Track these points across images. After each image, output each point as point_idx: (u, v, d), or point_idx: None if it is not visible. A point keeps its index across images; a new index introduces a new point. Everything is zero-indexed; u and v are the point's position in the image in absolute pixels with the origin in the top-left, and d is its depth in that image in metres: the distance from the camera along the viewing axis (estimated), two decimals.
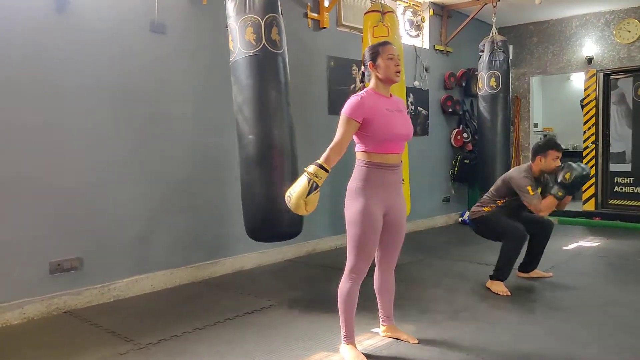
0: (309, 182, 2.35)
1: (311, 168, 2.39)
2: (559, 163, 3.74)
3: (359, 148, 2.53)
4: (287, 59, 3.55)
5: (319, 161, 2.41)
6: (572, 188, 3.63)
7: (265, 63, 3.38)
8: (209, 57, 4.19)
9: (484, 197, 4.03)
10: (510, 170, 3.98)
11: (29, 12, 3.23)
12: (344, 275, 2.55)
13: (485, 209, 3.90)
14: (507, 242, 3.74)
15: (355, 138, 2.52)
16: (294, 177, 3.39)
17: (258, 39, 3.35)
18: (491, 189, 4.00)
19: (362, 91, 2.53)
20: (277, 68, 3.43)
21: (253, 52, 3.36)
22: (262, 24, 3.36)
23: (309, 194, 2.34)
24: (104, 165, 3.60)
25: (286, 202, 2.41)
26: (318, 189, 2.37)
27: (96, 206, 3.56)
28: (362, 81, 2.64)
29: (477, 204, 4.03)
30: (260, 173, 3.39)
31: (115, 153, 3.66)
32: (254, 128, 3.40)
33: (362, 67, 2.62)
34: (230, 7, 3.45)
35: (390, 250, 2.65)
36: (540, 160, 3.76)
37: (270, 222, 3.41)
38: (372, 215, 2.45)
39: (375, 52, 2.53)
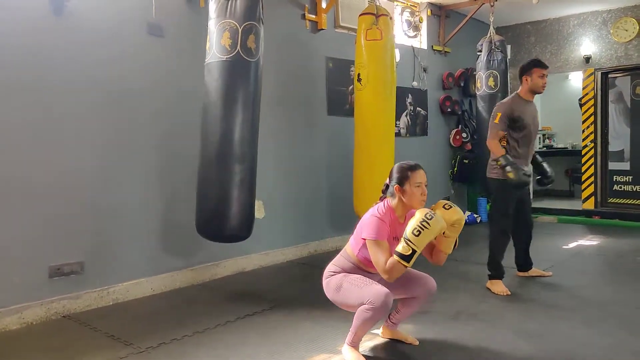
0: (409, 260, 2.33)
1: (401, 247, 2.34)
2: (545, 80, 3.71)
3: (352, 247, 2.57)
4: (260, 67, 3.53)
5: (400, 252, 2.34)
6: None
7: (236, 70, 3.40)
8: (205, 64, 4.17)
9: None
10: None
11: (26, 14, 3.22)
12: (367, 305, 2.43)
13: (500, 162, 3.64)
14: (490, 234, 3.82)
15: (353, 242, 2.56)
16: (250, 184, 3.52)
17: (233, 45, 3.36)
18: None
19: (379, 208, 2.52)
20: (247, 76, 3.44)
21: (226, 58, 3.38)
22: (240, 31, 3.37)
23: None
24: (104, 168, 3.59)
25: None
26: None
27: (96, 209, 3.55)
28: (383, 192, 2.63)
29: (491, 155, 3.79)
30: (216, 174, 3.43)
31: (115, 155, 3.65)
32: (216, 131, 3.43)
33: (388, 180, 2.59)
34: (212, 9, 3.46)
35: (413, 287, 2.66)
36: (527, 80, 3.73)
37: (218, 223, 3.45)
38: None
39: (403, 176, 2.50)
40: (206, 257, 4.19)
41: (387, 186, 2.59)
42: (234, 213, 3.43)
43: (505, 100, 3.77)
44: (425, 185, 2.52)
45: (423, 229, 2.26)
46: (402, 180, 2.49)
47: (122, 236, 3.68)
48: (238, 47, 3.37)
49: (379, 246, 2.40)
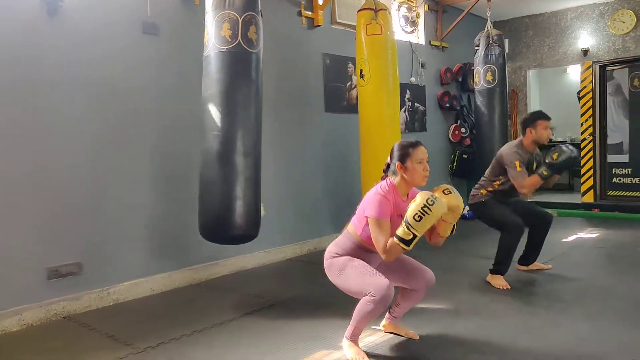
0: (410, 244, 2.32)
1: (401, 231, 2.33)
2: (550, 132, 3.75)
3: (354, 226, 2.55)
4: (260, 59, 3.46)
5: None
6: (559, 168, 3.64)
7: (238, 60, 3.30)
8: (202, 58, 4.16)
9: (481, 179, 3.97)
10: (502, 147, 3.95)
11: (20, 14, 3.21)
12: (369, 298, 2.43)
13: (483, 191, 3.87)
14: (504, 235, 3.73)
15: (356, 221, 2.54)
16: (255, 179, 3.40)
17: (234, 36, 3.28)
18: (487, 170, 3.96)
19: (382, 187, 2.50)
20: (249, 67, 3.36)
21: (227, 48, 3.29)
22: (240, 21, 3.31)
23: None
24: (101, 169, 3.58)
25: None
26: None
27: (93, 210, 3.54)
28: (385, 171, 2.63)
29: (475, 187, 3.98)
30: (220, 171, 3.29)
31: (111, 155, 3.64)
32: (218, 125, 3.31)
33: (389, 159, 2.58)
34: (209, 2, 3.40)
35: (410, 274, 2.65)
36: (531, 132, 3.74)
37: (225, 224, 3.31)
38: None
39: (405, 153, 2.49)
40: (205, 257, 4.18)
41: (389, 165, 2.58)
42: (240, 213, 3.30)
43: (513, 147, 3.76)
44: (427, 162, 2.51)
45: (424, 215, 2.25)
46: (404, 157, 2.48)
47: (120, 237, 3.67)
48: (239, 37, 3.29)
49: (380, 226, 2.39)
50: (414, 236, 2.27)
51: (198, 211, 3.40)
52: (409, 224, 2.26)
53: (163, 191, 3.93)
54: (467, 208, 6.92)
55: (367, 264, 2.50)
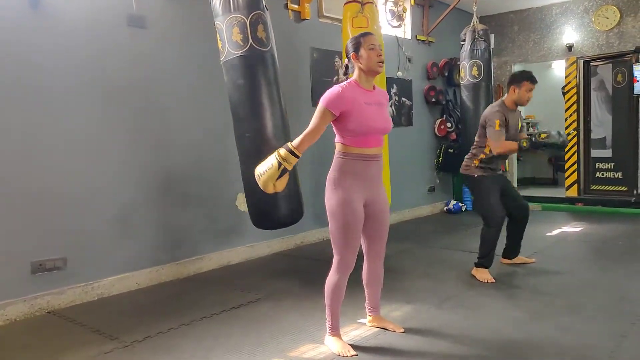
0: (279, 167, 2.39)
1: (282, 152, 2.41)
2: (531, 95, 3.76)
3: (337, 140, 2.53)
4: (275, 54, 3.59)
5: (290, 145, 2.42)
6: (538, 145, 3.70)
7: (254, 63, 3.45)
8: (192, 49, 4.15)
9: (472, 147, 3.93)
10: (485, 109, 3.95)
11: (1, 5, 3.16)
12: (332, 269, 2.55)
13: (475, 161, 3.81)
14: (485, 228, 3.78)
15: (334, 129, 2.52)
16: (292, 172, 3.45)
17: (245, 39, 3.39)
18: (476, 136, 3.93)
19: (345, 82, 2.52)
20: (266, 66, 3.50)
21: (241, 53, 3.41)
22: (248, 23, 3.38)
23: (278, 177, 2.41)
24: (86, 162, 3.55)
25: (256, 179, 2.47)
26: (287, 173, 2.42)
27: (79, 204, 3.51)
28: (345, 74, 2.64)
29: (467, 157, 3.93)
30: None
31: (97, 150, 3.60)
32: (249, 126, 3.50)
33: (346, 60, 2.59)
34: (217, 6, 3.45)
35: (375, 241, 2.65)
36: (514, 91, 3.75)
37: (270, 213, 3.54)
38: (352, 206, 2.46)
39: (357, 42, 2.51)
40: (191, 251, 4.17)
41: (347, 66, 2.59)
42: (284, 202, 3.52)
43: (495, 107, 3.76)
44: (381, 49, 2.53)
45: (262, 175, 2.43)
46: (357, 46, 2.51)
47: (105, 231, 3.65)
48: (250, 40, 3.40)
49: (323, 115, 2.41)
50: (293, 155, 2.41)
51: (248, 206, 3.65)
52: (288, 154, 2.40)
53: (150, 186, 3.91)
54: (452, 202, 7.01)
55: (352, 226, 2.46)
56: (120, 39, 3.74)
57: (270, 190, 2.47)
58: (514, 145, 3.67)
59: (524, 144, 3.65)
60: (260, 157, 3.44)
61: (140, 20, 3.84)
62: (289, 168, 2.41)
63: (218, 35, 3.51)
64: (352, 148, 2.47)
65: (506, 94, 3.84)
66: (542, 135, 3.64)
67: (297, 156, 2.41)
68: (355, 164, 2.48)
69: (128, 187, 3.78)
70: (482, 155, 3.81)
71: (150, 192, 3.91)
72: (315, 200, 5.25)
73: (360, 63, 2.50)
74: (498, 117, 3.67)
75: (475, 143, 3.91)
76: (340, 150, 2.51)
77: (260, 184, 2.46)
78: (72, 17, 3.48)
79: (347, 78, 2.60)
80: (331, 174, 2.54)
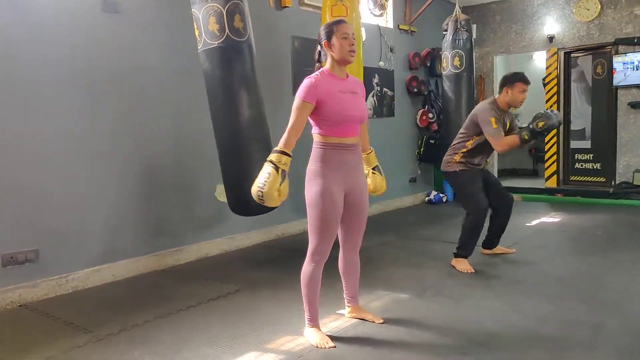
0: (278, 171, 2.32)
1: (274, 156, 2.35)
2: (525, 96, 3.71)
3: (314, 130, 2.50)
4: (252, 44, 3.53)
5: (279, 148, 2.37)
6: (540, 136, 3.63)
7: (230, 54, 3.41)
8: (168, 35, 4.05)
9: (455, 141, 3.90)
10: (476, 106, 3.90)
11: None
12: (306, 258, 2.52)
13: (456, 157, 3.79)
14: (467, 218, 3.77)
15: (310, 120, 2.48)
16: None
17: (221, 29, 3.34)
18: (460, 130, 3.91)
19: (317, 72, 2.48)
20: (242, 57, 3.45)
21: (218, 44, 3.36)
22: (224, 13, 3.33)
23: (281, 182, 2.33)
24: (58, 152, 3.45)
25: (257, 197, 2.35)
26: (287, 175, 2.36)
27: (51, 195, 3.41)
28: (318, 60, 2.61)
29: (448, 153, 3.90)
30: (236, 161, 3.52)
31: (71, 140, 3.50)
32: (225, 117, 3.47)
33: (318, 47, 2.55)
34: None
35: (353, 230, 2.63)
36: (507, 92, 3.70)
37: (246, 200, 3.43)
38: (332, 196, 2.43)
39: (330, 30, 2.47)
40: (169, 243, 4.10)
41: (320, 53, 2.55)
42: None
43: (487, 104, 3.71)
44: (354, 38, 2.48)
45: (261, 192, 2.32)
46: (329, 34, 2.46)
47: (79, 223, 3.56)
48: (227, 30, 3.35)
49: (302, 108, 2.39)
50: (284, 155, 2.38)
51: (229, 196, 3.66)
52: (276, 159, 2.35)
53: (124, 176, 3.82)
54: (433, 193, 7.03)
55: (332, 211, 2.44)
56: (94, 25, 3.62)
57: (276, 200, 2.36)
58: (515, 139, 3.60)
59: (525, 137, 3.55)
60: (238, 148, 3.50)
61: (114, 5, 3.72)
62: (287, 169, 2.35)
63: (195, 24, 3.45)
64: (329, 137, 2.45)
65: (498, 94, 3.78)
66: (540, 124, 3.50)
67: (288, 155, 2.37)
68: (333, 154, 2.45)
69: (104, 177, 3.69)
70: (463, 149, 3.79)
71: (127, 182, 3.83)
72: (295, 192, 5.20)
73: (333, 52, 2.46)
74: (492, 115, 3.62)
75: (458, 136, 3.88)
76: (318, 141, 2.48)
77: (264, 198, 2.32)
78: (43, 2, 3.36)
79: (320, 66, 2.56)
80: (310, 165, 2.51)
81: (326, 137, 2.45)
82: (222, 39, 3.36)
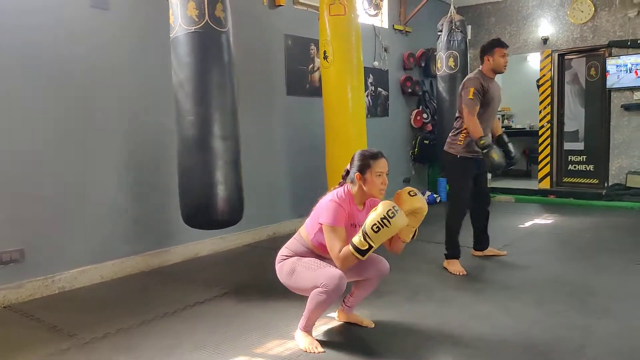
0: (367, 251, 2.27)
1: (356, 239, 2.28)
2: (506, 60, 3.74)
3: (307, 233, 2.50)
4: (231, 38, 3.35)
5: (353, 245, 2.28)
6: (488, 150, 3.56)
7: (207, 41, 3.20)
8: (156, 33, 3.98)
9: (457, 119, 3.82)
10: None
11: None
12: (321, 290, 2.38)
13: (461, 138, 3.72)
14: (447, 215, 3.81)
15: (309, 226, 2.48)
16: (235, 162, 3.32)
17: (201, 15, 3.16)
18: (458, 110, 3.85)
19: (339, 194, 2.43)
20: (220, 47, 3.25)
21: (195, 29, 3.16)
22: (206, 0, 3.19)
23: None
24: (44, 150, 3.39)
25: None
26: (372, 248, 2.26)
27: (37, 194, 3.35)
28: (344, 177, 2.56)
29: (452, 133, 3.82)
30: (199, 157, 3.22)
31: (55, 137, 3.45)
32: (194, 109, 3.21)
33: (349, 166, 2.50)
34: None
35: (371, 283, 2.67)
36: (489, 60, 3.74)
37: (207, 210, 3.25)
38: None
39: (365, 164, 2.41)
40: (157, 243, 4.05)
41: (348, 172, 2.52)
42: (223, 198, 3.24)
43: (471, 76, 3.73)
44: (387, 175, 2.45)
45: (382, 227, 2.18)
46: (364, 168, 2.42)
47: (66, 222, 3.50)
48: (206, 16, 3.16)
49: (335, 232, 2.33)
50: (370, 247, 2.22)
51: (179, 198, 3.34)
52: (367, 234, 2.20)
53: (112, 175, 3.76)
54: (427, 193, 7.00)
55: (316, 259, 2.46)
56: (82, 21, 3.57)
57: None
58: (479, 132, 3.56)
59: (482, 142, 3.54)
60: (202, 145, 3.18)
61: (103, 1, 3.66)
62: (375, 245, 2.24)
63: (171, 10, 3.26)
64: (316, 249, 2.49)
65: (481, 65, 3.79)
66: (494, 156, 3.54)
67: (370, 245, 2.23)
68: (312, 256, 2.51)
69: (91, 174, 3.64)
70: (465, 134, 3.71)
71: (115, 181, 3.77)
72: (289, 190, 5.17)
73: (363, 185, 2.42)
74: (473, 84, 3.63)
75: (457, 117, 3.83)
76: (305, 242, 2.51)
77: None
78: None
79: (343, 184, 2.52)
80: (285, 252, 2.57)
81: (315, 247, 2.49)
82: (201, 25, 3.15)
